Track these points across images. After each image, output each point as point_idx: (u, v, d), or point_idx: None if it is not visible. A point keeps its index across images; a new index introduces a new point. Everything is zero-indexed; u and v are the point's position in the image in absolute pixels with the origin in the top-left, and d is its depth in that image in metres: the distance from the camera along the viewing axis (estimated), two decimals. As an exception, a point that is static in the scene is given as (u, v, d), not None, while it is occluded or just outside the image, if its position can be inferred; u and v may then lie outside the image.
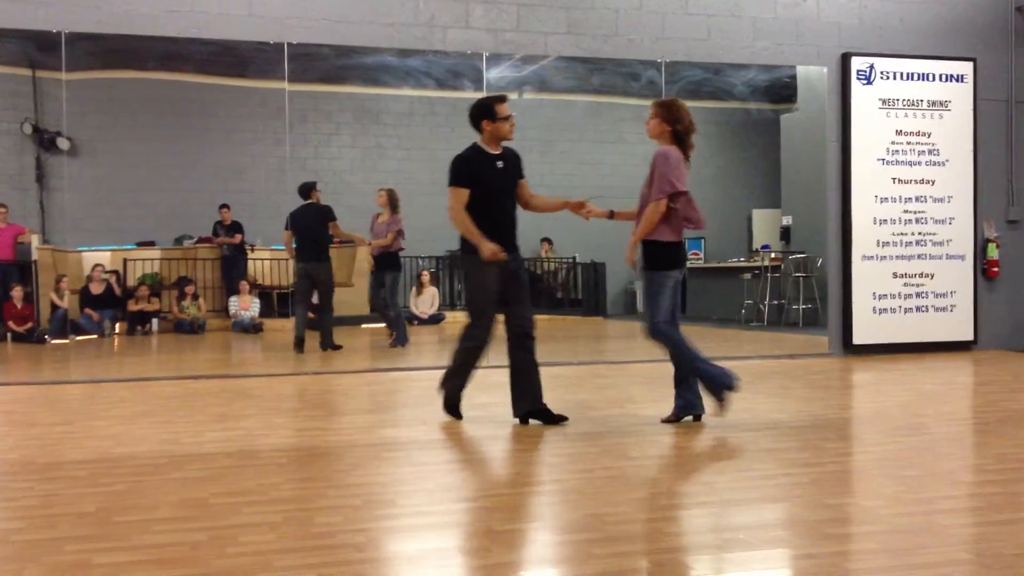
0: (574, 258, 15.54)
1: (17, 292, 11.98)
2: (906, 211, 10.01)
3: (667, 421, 5.98)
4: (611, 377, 8.48)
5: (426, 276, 13.78)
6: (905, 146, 10.01)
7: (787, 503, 4.30)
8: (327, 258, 10.70)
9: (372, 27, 9.11)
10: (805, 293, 12.15)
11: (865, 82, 9.95)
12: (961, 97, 10.17)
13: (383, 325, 11.54)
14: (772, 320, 12.78)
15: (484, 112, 5.96)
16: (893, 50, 10.06)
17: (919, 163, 10.04)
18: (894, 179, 9.98)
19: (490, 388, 6.61)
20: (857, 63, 9.94)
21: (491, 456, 5.36)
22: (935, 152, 10.08)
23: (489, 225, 5.85)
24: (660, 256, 5.84)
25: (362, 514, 3.98)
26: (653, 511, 4.11)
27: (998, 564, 3.31)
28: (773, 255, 13.12)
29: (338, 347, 10.52)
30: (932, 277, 10.07)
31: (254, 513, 3.94)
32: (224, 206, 13.61)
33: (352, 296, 13.69)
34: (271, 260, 13.92)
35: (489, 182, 5.92)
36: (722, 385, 5.77)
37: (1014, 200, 10.51)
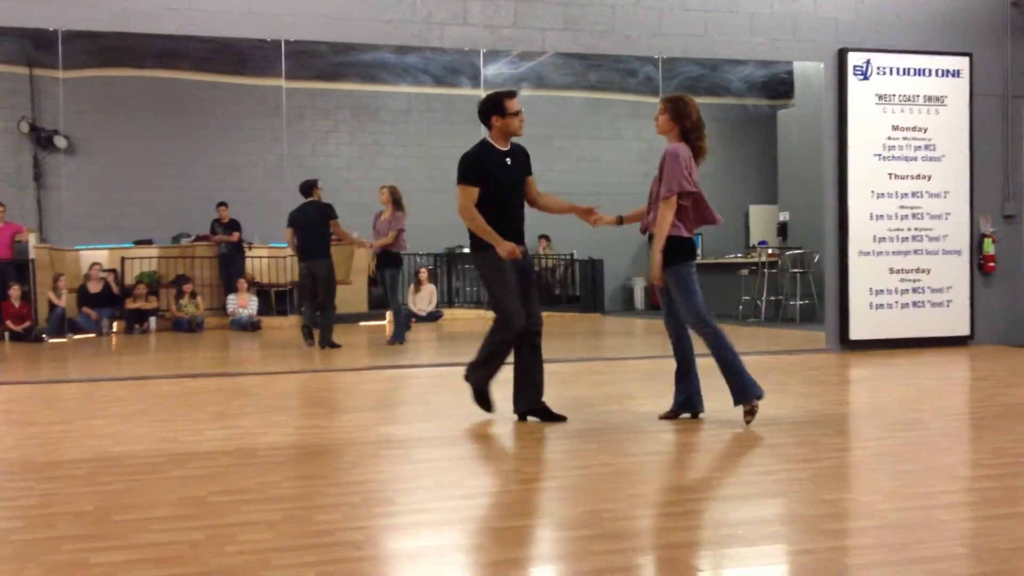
0: (572, 254, 15.56)
1: (15, 291, 11.98)
2: (902, 206, 10.02)
3: (665, 417, 5.99)
4: (609, 373, 8.49)
5: (424, 273, 13.79)
6: (901, 141, 10.02)
7: (785, 498, 4.31)
8: (328, 255, 10.73)
9: (369, 24, 9.10)
10: (802, 289, 12.17)
11: (861, 77, 9.95)
12: (957, 92, 10.18)
13: (385, 323, 11.58)
14: (769, 316, 12.80)
15: (493, 107, 5.93)
16: (889, 45, 10.07)
17: (915, 158, 10.05)
18: (890, 174, 9.99)
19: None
20: (854, 58, 9.94)
21: (490, 453, 5.37)
22: (931, 147, 10.09)
23: (498, 222, 5.83)
24: (676, 250, 5.79)
25: (361, 512, 3.99)
26: (651, 507, 4.12)
27: (995, 558, 3.32)
28: (770, 251, 13.14)
29: (337, 345, 10.54)
30: (928, 272, 10.08)
31: (253, 511, 3.94)
32: (222, 204, 13.61)
33: (350, 294, 13.71)
34: (269, 258, 13.93)
35: (499, 179, 5.89)
36: (753, 393, 5.78)
37: (1010, 195, 10.52)
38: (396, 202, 11.03)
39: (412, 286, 13.73)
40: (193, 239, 14.05)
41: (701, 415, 6.01)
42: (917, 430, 5.71)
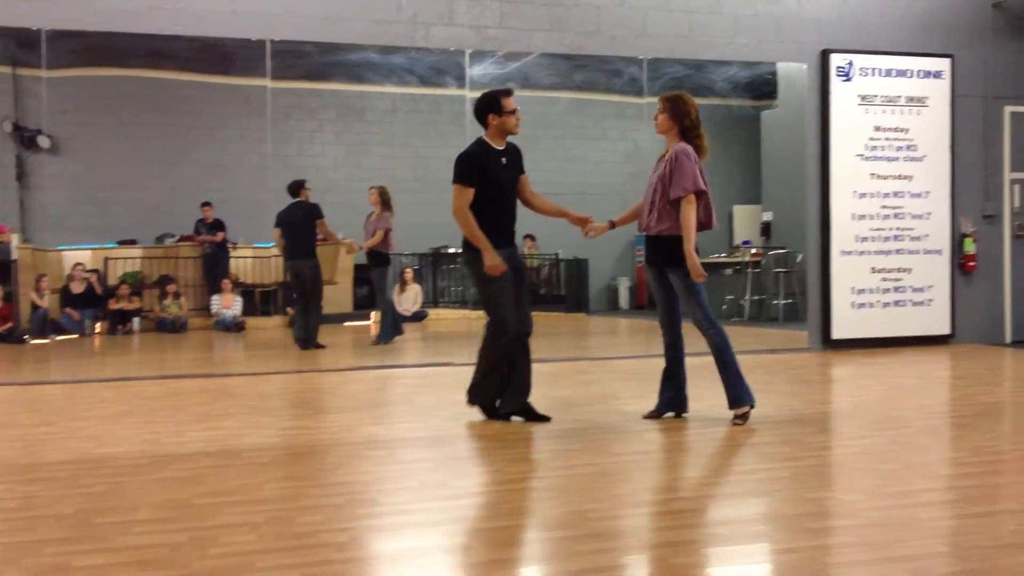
0: (557, 254, 15.56)
1: (-3, 292, 11.92)
2: (884, 206, 10.07)
3: (649, 417, 6.01)
4: (594, 373, 8.51)
5: (409, 274, 13.78)
6: (883, 142, 10.07)
7: (768, 497, 4.34)
8: (314, 255, 10.73)
9: (355, 24, 9.09)
10: (785, 288, 12.21)
11: (844, 78, 10.00)
12: (939, 93, 10.24)
13: (370, 323, 11.59)
14: (753, 315, 12.83)
15: (490, 106, 5.92)
16: (872, 47, 10.12)
17: (897, 159, 10.10)
18: (872, 175, 10.04)
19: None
20: (836, 60, 9.99)
21: (474, 453, 5.38)
22: (913, 148, 10.15)
23: (492, 222, 5.83)
24: (678, 252, 5.79)
25: (345, 513, 3.99)
26: (635, 507, 4.13)
27: (975, 556, 3.35)
28: (754, 251, 13.17)
29: (321, 346, 10.52)
30: (910, 272, 10.14)
31: (236, 513, 3.94)
32: (206, 204, 13.57)
33: (335, 294, 13.68)
34: (254, 258, 13.89)
35: (495, 180, 5.88)
36: (748, 399, 5.81)
37: (990, 195, 10.59)
38: (385, 203, 11.05)
39: (397, 286, 13.72)
40: (177, 239, 13.99)
41: (685, 415, 6.03)
42: (898, 429, 5.75)
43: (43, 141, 12.61)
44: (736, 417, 5.79)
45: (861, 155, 10.02)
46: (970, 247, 10.42)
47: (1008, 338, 10.62)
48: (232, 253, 13.82)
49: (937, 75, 10.24)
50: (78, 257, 13.22)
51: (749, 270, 13.00)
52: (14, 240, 12.35)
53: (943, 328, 10.28)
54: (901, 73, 10.14)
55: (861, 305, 10.02)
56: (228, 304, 13.18)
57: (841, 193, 9.97)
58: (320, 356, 10.12)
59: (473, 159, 5.87)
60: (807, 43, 10.04)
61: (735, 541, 3.70)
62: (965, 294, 10.45)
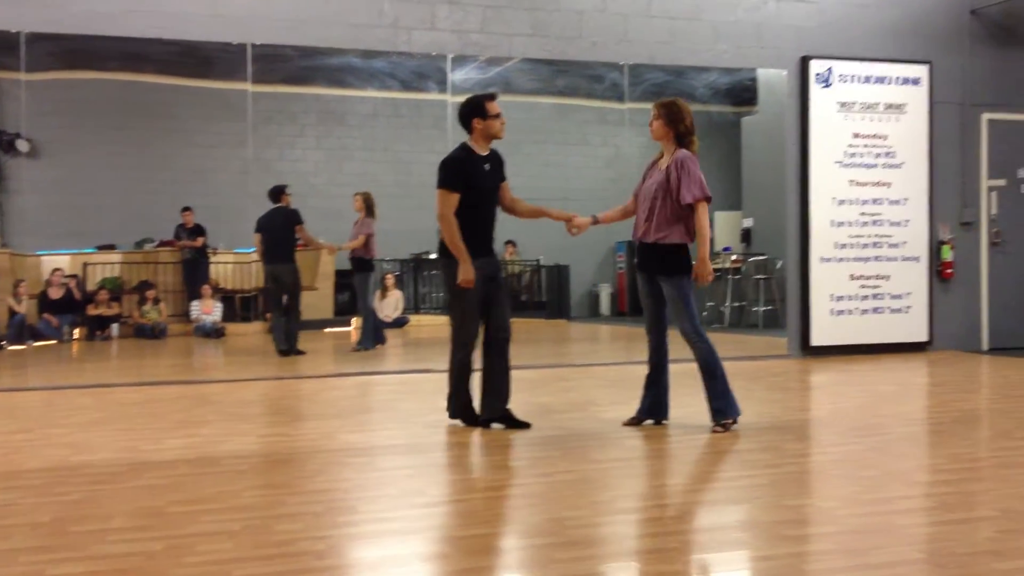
0: (538, 260, 15.59)
1: (-26, 297, 11.83)
2: (863, 213, 10.12)
3: (629, 424, 6.02)
4: (574, 380, 8.51)
5: (390, 279, 13.76)
6: (862, 148, 10.13)
7: (747, 505, 4.35)
8: (293, 260, 10.70)
9: (336, 28, 9.07)
10: (765, 295, 12.26)
11: (824, 85, 10.06)
12: (917, 100, 10.31)
13: (351, 328, 11.59)
14: (733, 322, 12.89)
15: (474, 110, 5.89)
16: (851, 54, 10.18)
17: (876, 165, 10.16)
18: (851, 181, 10.09)
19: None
20: (816, 66, 10.04)
21: (454, 461, 5.37)
22: (891, 155, 10.21)
23: (472, 229, 5.80)
24: (683, 259, 5.80)
25: (323, 521, 3.98)
26: (614, 514, 4.13)
27: (952, 563, 3.36)
28: (734, 257, 13.23)
29: (301, 352, 10.48)
30: (888, 279, 10.19)
31: (212, 521, 3.92)
32: (186, 209, 13.52)
33: (316, 299, 13.65)
34: (234, 264, 13.85)
35: (479, 186, 5.86)
36: (733, 412, 5.83)
37: (967, 202, 10.66)
38: (369, 209, 11.06)
39: (378, 292, 13.70)
40: (157, 244, 13.93)
41: (665, 422, 6.04)
42: (876, 436, 5.78)
43: (22, 145, 12.54)
44: (716, 424, 5.80)
45: (840, 162, 10.07)
46: (948, 254, 10.49)
47: (985, 345, 10.69)
48: (212, 258, 13.78)
49: (915, 82, 10.31)
50: (57, 262, 13.15)
51: (729, 277, 13.06)
52: (-8, 245, 12.27)
53: (921, 335, 10.34)
54: (880, 80, 10.21)
55: (840, 312, 10.07)
56: (208, 310, 13.13)
57: (820, 200, 10.02)
58: (300, 362, 10.09)
59: (458, 164, 5.85)
60: (787, 50, 10.09)
61: (714, 548, 3.71)
62: (943, 301, 10.51)
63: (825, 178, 10.02)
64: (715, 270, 13.34)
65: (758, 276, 12.50)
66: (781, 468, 4.94)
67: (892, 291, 10.20)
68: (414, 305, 14.62)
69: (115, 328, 12.86)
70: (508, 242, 15.06)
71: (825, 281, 10.02)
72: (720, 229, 14.00)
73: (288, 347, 10.44)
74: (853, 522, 3.92)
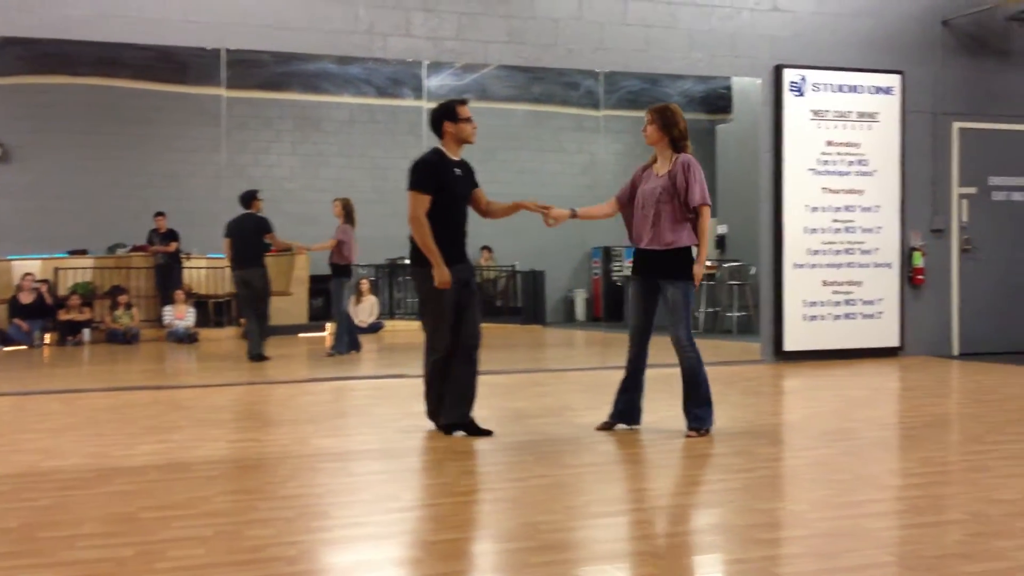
0: (514, 266, 15.59)
1: (-57, 302, 11.70)
2: (836, 220, 10.20)
3: (602, 428, 6.03)
4: (549, 385, 8.52)
5: (366, 285, 13.74)
6: (835, 156, 10.20)
7: (719, 508, 4.37)
8: (263, 264, 10.66)
9: (311, 34, 9.05)
10: (739, 301, 12.32)
11: (797, 93, 10.13)
12: (889, 109, 10.40)
13: (325, 334, 11.57)
14: (707, 327, 12.93)
15: (445, 114, 5.88)
16: (824, 63, 10.26)
17: (848, 173, 10.24)
18: (824, 189, 10.16)
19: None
20: (789, 75, 10.11)
21: (427, 466, 5.36)
22: (864, 163, 10.29)
23: (445, 235, 5.78)
24: (688, 263, 5.81)
25: (295, 526, 3.96)
26: (588, 519, 4.14)
27: (921, 566, 3.39)
28: (708, 263, 13.27)
29: (266, 358, 10.38)
30: (860, 285, 10.26)
31: (183, 527, 3.89)
32: (159, 214, 13.44)
33: (290, 304, 13.60)
34: (207, 269, 13.77)
35: (451, 189, 5.83)
36: (708, 423, 5.85)
37: (938, 210, 10.76)
38: (348, 214, 11.07)
39: (353, 297, 13.67)
40: (129, 249, 13.83)
41: (637, 427, 6.05)
42: (848, 440, 5.82)
43: (-7, 149, 12.43)
44: (690, 429, 5.82)
45: (813, 169, 10.14)
46: (919, 261, 10.58)
47: (956, 350, 10.78)
48: (185, 264, 13.70)
49: (887, 91, 10.40)
50: (27, 267, 13.03)
51: (704, 282, 13.10)
52: (-39, 249, 12.15)
53: (892, 340, 10.42)
54: (852, 89, 10.29)
55: (813, 318, 10.13)
56: (181, 315, 13.05)
57: (794, 207, 10.08)
58: (274, 367, 10.03)
59: (429, 166, 5.83)
60: (761, 58, 10.15)
61: (687, 552, 3.72)
62: (914, 307, 10.60)
63: (798, 185, 10.09)
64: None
65: (732, 282, 12.56)
66: (754, 472, 4.97)
67: (864, 297, 10.28)
68: (389, 311, 14.59)
69: (87, 333, 12.75)
70: (484, 248, 15.07)
71: (798, 287, 10.08)
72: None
73: (255, 352, 10.37)
74: (824, 525, 3.94)
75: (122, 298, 13.00)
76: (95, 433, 6.18)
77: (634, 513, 4.28)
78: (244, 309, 10.83)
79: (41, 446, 5.74)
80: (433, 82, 10.05)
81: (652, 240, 5.84)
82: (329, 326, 11.63)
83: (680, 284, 5.79)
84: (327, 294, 11.84)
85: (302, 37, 9.04)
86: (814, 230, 10.14)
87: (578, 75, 11.15)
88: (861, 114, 10.30)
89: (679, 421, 5.93)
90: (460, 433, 5.89)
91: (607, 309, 15.02)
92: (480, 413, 6.07)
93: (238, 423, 6.93)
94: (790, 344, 10.07)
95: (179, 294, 13.09)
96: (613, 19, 9.77)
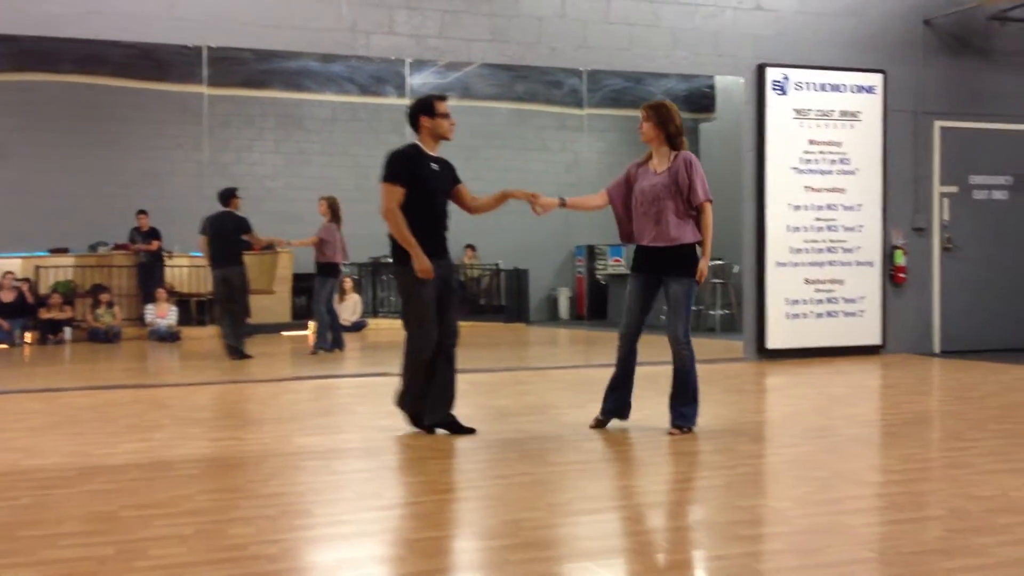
0: (497, 264, 15.59)
1: (-77, 300, 11.62)
2: (818, 219, 10.24)
3: (596, 426, 5.98)
4: (532, 383, 8.52)
5: (348, 283, 13.71)
6: (817, 155, 10.25)
7: (701, 505, 4.39)
8: (242, 263, 10.62)
9: (294, 31, 9.03)
10: (722, 299, 12.35)
11: (780, 92, 10.17)
12: (871, 108, 10.45)
13: (308, 332, 11.57)
14: (691, 325, 12.95)
15: (423, 108, 5.81)
16: (807, 62, 10.30)
17: (831, 172, 10.28)
18: (807, 187, 10.20)
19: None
20: (772, 74, 10.14)
21: (410, 464, 5.35)
22: (846, 161, 10.34)
23: (422, 228, 5.70)
24: (692, 261, 5.80)
25: (277, 525, 3.95)
26: (570, 516, 4.14)
27: (900, 562, 3.41)
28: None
29: (248, 356, 10.35)
30: (842, 283, 10.31)
31: (165, 526, 3.88)
32: (141, 212, 13.37)
33: (273, 303, 13.56)
34: (189, 267, 13.70)
35: (426, 182, 5.74)
36: (693, 422, 5.86)
37: (920, 208, 10.82)
38: (334, 213, 11.06)
39: (336, 296, 13.65)
40: (111, 247, 13.76)
41: (624, 422, 6.05)
42: (829, 437, 5.84)
43: (-27, 147, 12.34)
44: (673, 427, 5.83)
45: (796, 168, 10.18)
46: (900, 259, 10.63)
47: (937, 348, 10.85)
48: (167, 262, 13.64)
49: (870, 90, 10.45)
50: (8, 265, 12.94)
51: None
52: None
53: (874, 338, 10.47)
54: (835, 88, 10.34)
55: (795, 316, 10.18)
56: (163, 314, 12.99)
57: (776, 205, 10.12)
58: (256, 366, 10.00)
59: (404, 158, 5.76)
60: (743, 57, 10.19)
61: (668, 549, 3.73)
62: (895, 305, 10.65)
63: (781, 184, 10.13)
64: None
65: (715, 280, 12.59)
66: (736, 469, 4.98)
67: (846, 295, 10.33)
68: (372, 309, 14.56)
69: (68, 332, 12.68)
70: (467, 246, 15.06)
71: (781, 285, 10.12)
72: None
73: (234, 347, 10.33)
74: (805, 522, 3.96)
75: (104, 296, 12.94)
76: (76, 432, 6.15)
77: (616, 510, 4.29)
78: (220, 308, 10.77)
79: (22, 445, 5.71)
80: (416, 80, 10.03)
81: (656, 237, 5.81)
82: (312, 324, 11.61)
83: (684, 281, 5.79)
84: (310, 292, 11.82)
85: (284, 34, 9.01)
86: (796, 228, 10.18)
87: (561, 73, 11.14)
88: (843, 113, 10.35)
89: (663, 419, 5.94)
90: (442, 431, 5.88)
91: (591, 307, 15.04)
92: (463, 411, 6.07)
93: (220, 421, 6.90)
94: (772, 342, 10.11)
95: (161, 292, 13.03)
96: (596, 17, 9.78)
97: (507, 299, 15.67)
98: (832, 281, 10.28)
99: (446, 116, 5.83)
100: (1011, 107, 11.02)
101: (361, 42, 9.21)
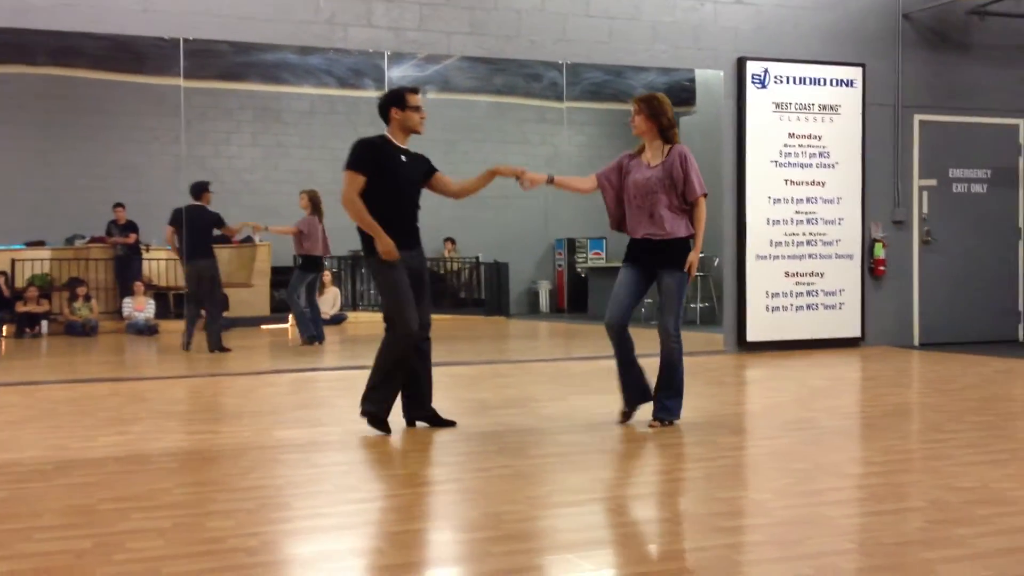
0: (477, 258, 15.57)
1: None
2: (798, 212, 10.27)
3: (623, 420, 5.89)
4: (513, 376, 8.51)
5: (328, 276, 13.66)
6: (797, 149, 10.27)
7: (681, 497, 4.39)
8: (213, 256, 10.58)
9: (271, 24, 8.96)
10: (702, 292, 12.38)
11: (759, 86, 10.18)
12: (851, 101, 10.48)
13: (287, 325, 11.55)
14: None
15: (394, 100, 5.70)
16: (786, 55, 10.32)
17: (810, 165, 10.31)
18: (786, 180, 10.23)
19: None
20: (752, 67, 10.16)
21: (390, 457, 5.33)
22: (825, 155, 10.37)
23: (389, 220, 5.58)
24: (686, 255, 5.80)
25: (256, 518, 3.92)
26: (550, 508, 4.13)
27: (880, 553, 3.42)
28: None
29: (227, 349, 10.30)
30: (822, 276, 10.36)
31: (143, 519, 3.84)
32: (119, 205, 13.26)
33: (252, 296, 13.49)
34: (167, 260, 13.61)
35: (393, 173, 5.63)
36: (676, 415, 5.85)
37: (899, 201, 10.87)
38: (315, 206, 11.03)
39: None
40: (88, 241, 13.65)
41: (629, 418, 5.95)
42: (809, 429, 5.86)
43: (-53, 139, 12.21)
44: (655, 419, 5.83)
45: (776, 161, 10.20)
46: (880, 252, 10.68)
47: (916, 341, 10.91)
48: (145, 255, 13.54)
49: (849, 84, 10.48)
50: (-17, 259, 12.82)
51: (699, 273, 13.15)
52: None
53: (854, 331, 10.52)
54: (814, 81, 10.36)
55: (775, 308, 10.21)
56: (140, 307, 12.89)
57: (756, 199, 10.14)
58: (235, 360, 9.94)
59: (369, 147, 5.65)
60: (723, 51, 10.19)
61: (649, 540, 3.73)
62: (875, 298, 10.70)
63: (761, 177, 10.15)
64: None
65: (696, 273, 12.63)
66: (716, 462, 4.99)
67: (826, 288, 10.37)
68: (351, 302, 14.52)
69: (45, 325, 12.58)
70: (447, 239, 15.03)
71: (761, 278, 10.15)
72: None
73: (212, 344, 10.30)
74: (786, 513, 3.96)
75: (81, 290, 12.83)
76: (53, 425, 6.09)
77: (597, 502, 4.29)
78: (191, 302, 10.71)
79: (-4, 439, 5.65)
80: (395, 73, 9.97)
81: (650, 231, 5.79)
82: (292, 318, 11.58)
83: (677, 274, 5.78)
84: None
85: (262, 27, 8.95)
86: (776, 222, 10.20)
87: (541, 66, 11.12)
88: (823, 107, 10.38)
89: (644, 411, 5.93)
90: (423, 425, 5.85)
91: (571, 301, 15.04)
92: (443, 404, 6.05)
93: (198, 415, 6.85)
94: (753, 335, 10.14)
95: (139, 286, 12.94)
96: (576, 10, 9.77)
97: (487, 292, 15.65)
98: (812, 274, 10.32)
99: (417, 109, 5.71)
100: (990, 101, 11.08)
101: (339, 35, 9.16)
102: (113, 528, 3.72)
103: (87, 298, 12.86)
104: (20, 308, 12.55)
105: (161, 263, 13.66)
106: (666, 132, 5.81)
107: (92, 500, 4.15)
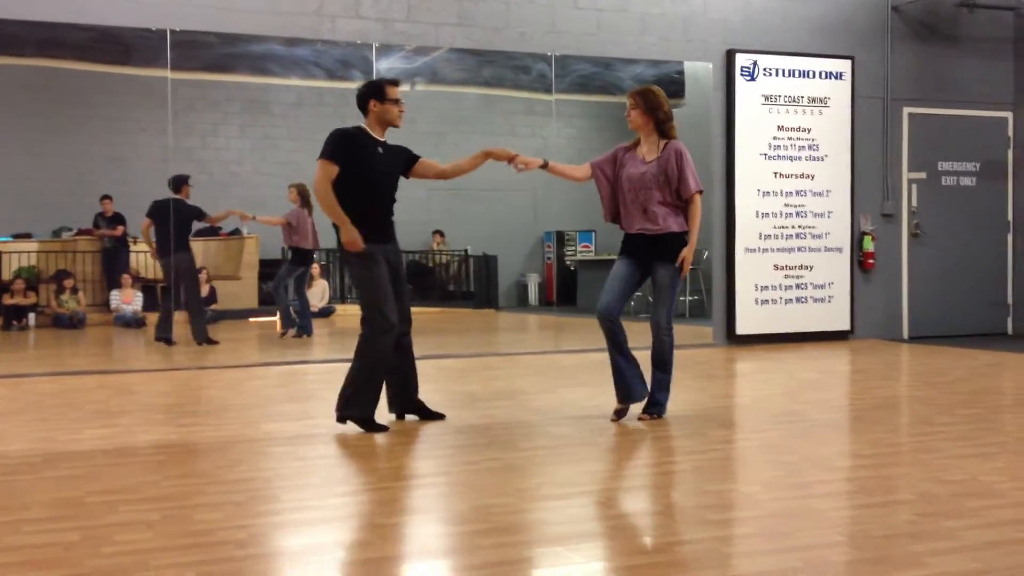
0: (466, 251, 15.54)
1: None
2: (787, 204, 10.28)
3: (616, 418, 5.82)
4: (501, 369, 8.50)
5: (316, 269, 13.61)
6: (786, 141, 10.28)
7: (671, 490, 4.39)
8: (189, 249, 10.52)
9: (259, 15, 8.92)
10: (692, 285, 12.38)
11: (748, 78, 10.18)
12: (840, 94, 10.49)
13: (275, 319, 11.54)
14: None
15: (373, 92, 5.61)
16: (775, 48, 10.32)
17: (799, 158, 10.32)
18: (776, 173, 10.24)
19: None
20: (741, 60, 10.16)
21: (378, 449, 5.31)
22: (815, 147, 10.38)
23: (362, 213, 5.51)
24: (680, 249, 5.78)
25: (244, 510, 3.91)
26: (539, 501, 4.13)
27: (869, 545, 3.42)
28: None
29: (214, 342, 10.26)
30: (811, 269, 10.37)
31: (131, 511, 3.83)
32: (106, 197, 13.20)
33: (240, 289, 13.44)
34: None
35: (367, 165, 5.54)
36: (665, 406, 5.84)
37: (888, 195, 10.89)
38: (304, 200, 10.99)
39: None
40: (75, 233, 13.58)
41: (629, 413, 5.90)
42: (799, 422, 5.86)
43: (-68, 131, 12.12)
44: (644, 412, 5.83)
45: (765, 154, 10.21)
46: (869, 245, 10.70)
47: (905, 334, 10.93)
48: (132, 248, 13.47)
49: (838, 76, 10.49)
50: (-30, 251, 12.74)
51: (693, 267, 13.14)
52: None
53: (843, 324, 10.54)
54: (803, 74, 10.37)
55: (764, 301, 10.22)
56: (128, 299, 12.84)
57: (745, 191, 10.15)
58: (223, 352, 9.91)
59: (345, 138, 5.55)
60: (712, 43, 10.19)
61: (638, 533, 3.73)
62: (864, 291, 10.73)
63: (750, 170, 10.16)
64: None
65: (689, 269, 12.63)
66: (706, 454, 4.99)
67: (815, 281, 10.39)
68: (340, 295, 14.48)
69: (32, 318, 12.51)
70: (435, 232, 14.99)
71: (750, 271, 10.16)
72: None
73: (199, 336, 10.25)
74: (775, 506, 3.97)
75: (68, 282, 12.77)
76: (41, 418, 6.06)
77: (586, 495, 4.28)
78: (167, 295, 10.66)
79: (-18, 432, 5.61)
80: (383, 65, 9.94)
81: (648, 227, 5.76)
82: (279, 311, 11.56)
83: (671, 267, 5.77)
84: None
85: (249, 18, 8.90)
86: (766, 215, 10.21)
87: (529, 59, 11.09)
88: (812, 99, 10.38)
89: (634, 404, 5.92)
90: (412, 417, 5.84)
91: (560, 293, 15.03)
92: (432, 397, 6.04)
93: (186, 407, 6.82)
94: (742, 328, 10.15)
95: (126, 278, 12.89)
96: (565, 2, 9.75)
97: (476, 285, 15.62)
98: (801, 267, 10.33)
99: (396, 102, 5.62)
100: (979, 94, 11.11)
101: (327, 26, 9.12)
102: (101, 521, 3.70)
103: (74, 290, 12.80)
104: (7, 300, 12.48)
105: (148, 256, 13.60)
106: (663, 126, 5.77)
107: (80, 493, 4.12)
